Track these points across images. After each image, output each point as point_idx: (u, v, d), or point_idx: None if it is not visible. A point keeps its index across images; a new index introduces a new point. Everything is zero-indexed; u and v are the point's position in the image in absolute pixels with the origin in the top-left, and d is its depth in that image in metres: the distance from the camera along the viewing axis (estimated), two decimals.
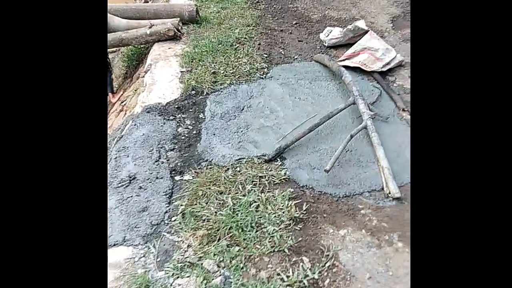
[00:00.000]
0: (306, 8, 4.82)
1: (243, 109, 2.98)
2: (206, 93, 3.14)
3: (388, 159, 2.41)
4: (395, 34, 4.12)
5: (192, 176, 2.38)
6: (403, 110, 2.87)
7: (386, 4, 4.90)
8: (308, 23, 4.47)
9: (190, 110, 2.99)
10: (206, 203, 2.17)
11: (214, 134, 2.73)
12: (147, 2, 6.05)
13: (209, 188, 2.25)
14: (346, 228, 2.06)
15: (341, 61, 3.53)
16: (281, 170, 2.39)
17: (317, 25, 4.41)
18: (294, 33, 4.25)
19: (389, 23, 4.37)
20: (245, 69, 3.41)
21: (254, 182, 2.27)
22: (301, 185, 2.32)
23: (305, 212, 2.11)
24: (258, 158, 2.50)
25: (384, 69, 3.34)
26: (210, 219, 2.06)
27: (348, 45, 3.76)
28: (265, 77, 3.36)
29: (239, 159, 2.50)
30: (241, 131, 2.75)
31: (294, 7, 4.85)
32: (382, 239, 2.00)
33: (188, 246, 1.96)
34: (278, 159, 2.50)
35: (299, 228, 2.02)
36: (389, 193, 2.23)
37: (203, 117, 2.91)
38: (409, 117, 2.78)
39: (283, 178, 2.33)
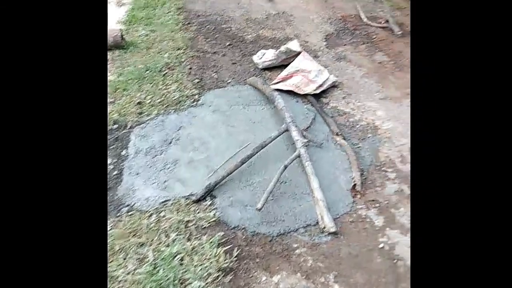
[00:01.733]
0: (240, 28, 4.73)
1: (171, 142, 2.76)
2: (130, 126, 2.87)
3: (323, 189, 2.32)
4: (328, 53, 4.13)
5: (110, 227, 2.11)
6: (337, 134, 2.81)
7: (319, 22, 4.95)
8: (242, 44, 4.37)
9: (112, 147, 2.71)
10: (124, 259, 1.91)
11: (138, 174, 2.48)
12: None
13: (128, 240, 2.00)
14: (281, 272, 1.90)
15: (274, 84, 3.44)
16: (210, 211, 2.20)
17: (251, 46, 4.31)
18: (228, 55, 4.11)
19: (323, 42, 4.39)
20: (174, 97, 3.20)
21: (179, 229, 2.06)
22: (233, 227, 2.14)
23: (235, 259, 1.93)
24: (186, 199, 2.28)
25: (318, 91, 3.29)
26: (127, 279, 1.80)
27: (283, 66, 3.69)
28: (196, 104, 3.17)
29: (164, 201, 2.26)
30: (168, 168, 2.53)
31: (228, 27, 4.74)
32: (318, 281, 1.86)
33: None
34: (208, 198, 2.30)
35: (228, 280, 1.83)
36: (324, 227, 2.11)
37: (126, 154, 2.65)
38: (342, 141, 2.72)
39: (213, 221, 2.14)
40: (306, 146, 2.56)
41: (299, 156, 2.49)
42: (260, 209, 2.14)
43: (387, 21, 4.79)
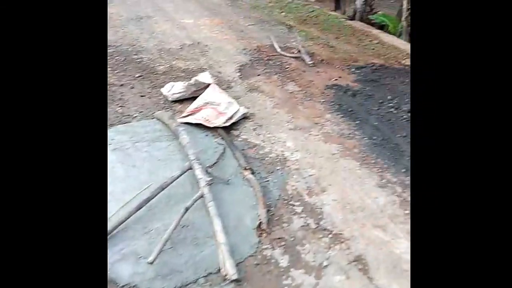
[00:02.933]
0: (152, 59, 4.55)
1: None
2: None
3: (228, 230, 2.18)
4: (241, 83, 4.11)
5: None
6: (245, 168, 2.70)
7: (234, 53, 4.96)
8: (154, 75, 4.18)
9: None
10: None
11: None
12: None
13: None
14: None
15: (183, 117, 3.28)
16: None
17: (163, 77, 4.14)
18: (137, 87, 3.89)
19: (237, 72, 4.38)
20: None
21: None
22: (122, 285, 1.88)
23: None
24: None
25: (227, 124, 3.20)
26: None
27: (194, 98, 3.56)
28: None
29: None
30: None
31: (139, 58, 4.54)
32: None
33: None
34: None
35: None
36: (226, 275, 1.95)
37: None
38: (250, 176, 2.62)
39: None
40: (210, 184, 2.41)
41: (202, 196, 2.33)
42: (151, 262, 1.91)
43: (299, 51, 4.95)
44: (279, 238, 2.20)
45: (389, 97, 3.81)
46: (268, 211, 2.38)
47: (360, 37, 5.80)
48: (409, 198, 2.50)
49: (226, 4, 7.55)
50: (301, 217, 2.36)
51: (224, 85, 4.05)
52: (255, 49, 5.11)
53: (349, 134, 3.23)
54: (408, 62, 4.81)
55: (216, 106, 3.30)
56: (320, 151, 2.99)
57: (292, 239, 2.19)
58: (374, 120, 3.42)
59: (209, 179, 2.42)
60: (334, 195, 2.53)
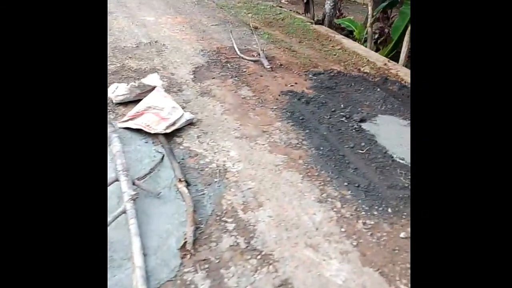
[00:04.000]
0: None
1: None
2: None
3: (148, 252, 2.02)
4: (194, 87, 3.94)
5: None
6: (180, 180, 2.54)
7: (191, 53, 4.78)
8: None
9: None
10: None
11: None
12: None
13: None
14: None
15: (123, 122, 3.09)
16: None
17: (112, 77, 3.92)
18: None
19: (191, 75, 4.20)
20: None
21: None
22: None
23: None
24: None
25: (169, 130, 3.02)
26: None
27: (139, 101, 3.37)
28: None
29: None
30: None
31: None
32: None
33: None
34: None
35: None
36: None
37: None
38: (183, 189, 2.46)
39: None
40: (135, 199, 2.23)
41: (124, 212, 2.15)
42: None
43: (259, 55, 4.83)
44: (204, 260, 2.05)
45: (342, 106, 3.73)
46: (197, 228, 2.22)
47: (323, 42, 5.74)
48: (347, 215, 2.41)
49: (192, 2, 7.36)
50: (232, 235, 2.21)
51: (175, 87, 3.87)
52: (214, 51, 4.95)
53: (297, 144, 3.12)
54: (367, 69, 4.77)
55: (159, 111, 3.12)
56: (263, 162, 2.86)
57: (217, 261, 2.05)
58: (324, 130, 3.32)
59: (133, 193, 2.24)
60: (270, 211, 2.40)
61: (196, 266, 2.01)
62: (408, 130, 3.44)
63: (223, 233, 2.23)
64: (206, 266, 2.02)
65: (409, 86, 4.34)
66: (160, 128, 3.02)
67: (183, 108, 3.43)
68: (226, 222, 2.31)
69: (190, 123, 3.25)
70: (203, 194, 2.51)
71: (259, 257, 2.09)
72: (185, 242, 2.11)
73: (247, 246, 2.15)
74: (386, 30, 6.48)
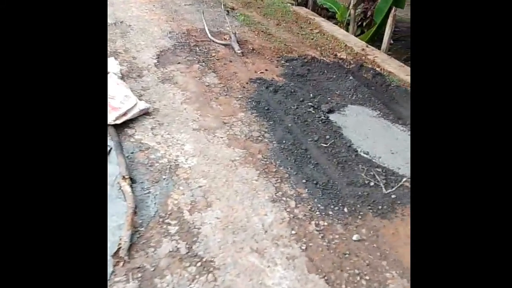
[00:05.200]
0: None
1: None
2: None
3: None
4: (155, 72, 3.71)
5: None
6: (123, 178, 2.36)
7: (158, 36, 4.51)
8: None
9: None
10: None
11: None
12: None
13: None
14: None
15: None
16: None
17: None
18: None
19: (154, 59, 3.96)
20: None
21: None
22: None
23: None
24: None
25: (119, 121, 2.82)
26: None
27: None
28: None
29: None
30: None
31: None
32: None
33: None
34: None
35: None
36: None
37: None
38: (126, 187, 2.29)
39: None
40: None
41: None
42: None
43: (230, 38, 4.58)
44: (138, 268, 1.90)
45: (311, 95, 3.54)
46: (136, 232, 2.07)
47: (302, 25, 5.49)
48: (300, 215, 2.27)
49: None
50: (173, 239, 2.06)
51: (135, 73, 3.64)
52: (183, 33, 4.69)
53: (258, 137, 2.95)
54: (343, 55, 4.56)
55: (110, 99, 2.91)
56: (219, 157, 2.69)
57: (153, 268, 1.90)
58: (289, 121, 3.14)
59: None
60: (218, 211, 2.25)
61: (128, 275, 1.86)
62: (376, 121, 3.29)
63: (164, 237, 2.07)
64: (140, 275, 1.87)
65: (384, 73, 4.16)
66: (109, 118, 2.81)
67: (139, 97, 3.23)
68: (169, 224, 2.15)
69: (145, 113, 3.05)
70: (149, 193, 2.35)
71: (199, 264, 1.94)
72: (119, 248, 1.96)
73: (188, 252, 2.00)
74: (369, 13, 6.22)
